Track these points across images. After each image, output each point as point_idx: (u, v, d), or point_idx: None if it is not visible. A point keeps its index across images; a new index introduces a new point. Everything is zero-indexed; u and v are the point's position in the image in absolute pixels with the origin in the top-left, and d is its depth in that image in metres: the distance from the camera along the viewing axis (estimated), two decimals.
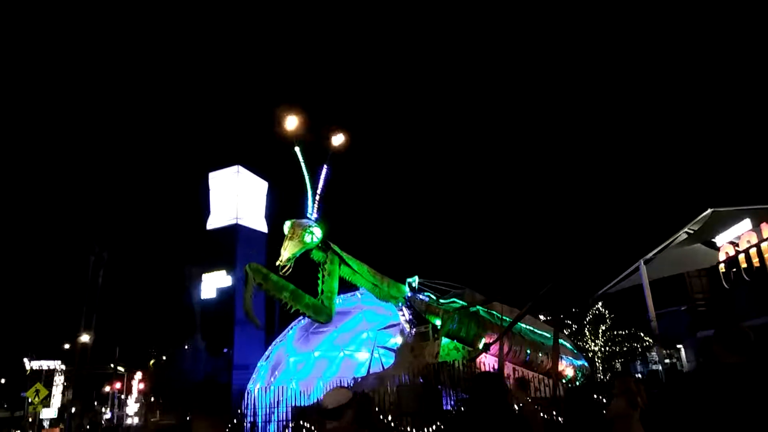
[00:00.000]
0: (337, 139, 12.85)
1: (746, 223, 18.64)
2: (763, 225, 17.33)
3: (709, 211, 17.70)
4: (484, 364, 12.57)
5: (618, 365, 23.28)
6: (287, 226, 11.91)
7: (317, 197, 12.35)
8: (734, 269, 18.76)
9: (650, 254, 19.96)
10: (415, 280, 14.02)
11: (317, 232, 11.95)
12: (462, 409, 10.76)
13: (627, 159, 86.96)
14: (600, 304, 24.33)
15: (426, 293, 14.09)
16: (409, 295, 13.86)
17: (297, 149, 12.35)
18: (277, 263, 11.58)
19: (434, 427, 10.51)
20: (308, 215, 12.23)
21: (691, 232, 19.16)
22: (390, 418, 11.07)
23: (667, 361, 23.94)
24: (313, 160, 12.62)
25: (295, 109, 12.42)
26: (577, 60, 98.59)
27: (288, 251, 11.59)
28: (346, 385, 13.59)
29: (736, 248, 18.91)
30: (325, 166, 12.52)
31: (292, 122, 12.29)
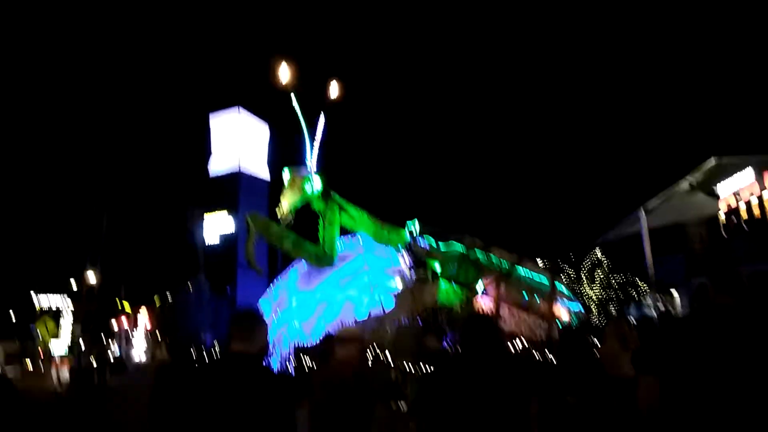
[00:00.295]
0: (334, 89, 12.64)
1: (749, 173, 18.54)
2: (766, 174, 17.24)
3: (712, 159, 17.57)
4: (482, 308, 12.86)
5: (613, 310, 23.79)
6: (286, 175, 11.90)
7: (315, 146, 12.27)
8: (734, 219, 18.81)
9: (651, 202, 19.97)
10: (414, 223, 14.15)
11: (317, 182, 11.95)
12: (457, 349, 11.09)
13: (632, 107, 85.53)
14: (598, 250, 24.59)
15: (426, 238, 14.23)
16: (410, 240, 14.01)
17: (294, 99, 12.17)
18: (279, 216, 11.64)
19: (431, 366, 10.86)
20: (307, 164, 12.20)
21: (693, 180, 19.10)
22: (390, 357, 11.43)
23: (660, 306, 24.42)
24: (312, 108, 12.48)
25: (288, 59, 12.15)
26: (582, 6, 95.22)
27: (288, 202, 11.63)
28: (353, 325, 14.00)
29: (738, 198, 18.89)
30: (323, 115, 12.36)
31: (284, 73, 12.06)
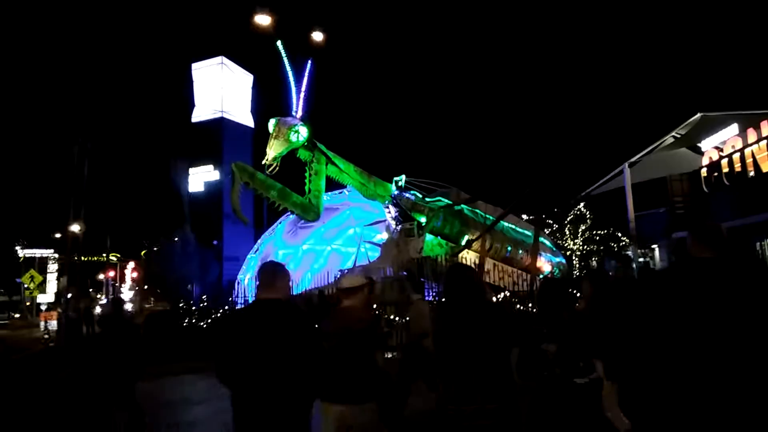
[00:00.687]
0: (318, 36, 12.36)
1: (733, 128, 18.64)
2: (750, 130, 17.36)
3: (698, 115, 17.59)
4: (466, 260, 13.05)
5: (594, 263, 24.29)
6: (272, 124, 11.73)
7: (302, 95, 12.07)
8: (716, 173, 19.02)
9: (636, 157, 20.08)
10: (402, 179, 14.14)
11: (303, 131, 11.81)
12: (441, 299, 11.31)
13: (619, 63, 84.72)
14: (582, 204, 24.87)
15: (412, 192, 14.27)
16: (396, 193, 14.04)
17: (279, 45, 11.88)
18: (264, 162, 11.54)
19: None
20: (293, 113, 12.02)
21: (678, 136, 19.16)
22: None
23: (641, 260, 24.97)
24: (298, 56, 12.22)
25: (274, 6, 11.82)
26: None
27: (273, 150, 11.51)
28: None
29: (720, 153, 19.06)
30: (309, 62, 12.11)
31: (264, 18, 11.75)
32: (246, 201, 19.81)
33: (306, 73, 12.14)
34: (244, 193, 12.21)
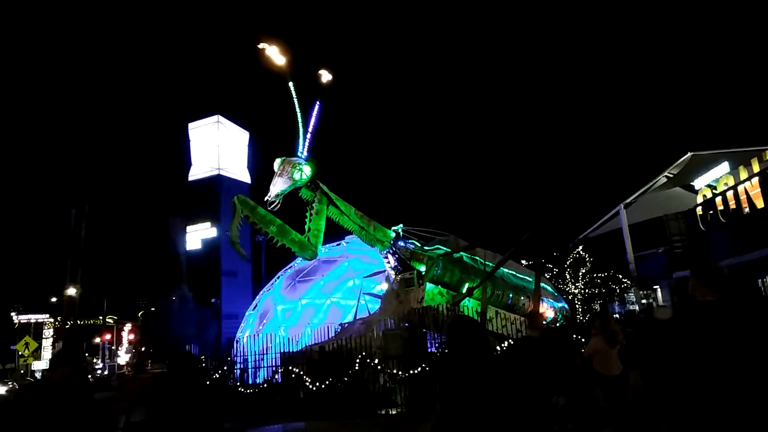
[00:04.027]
0: (326, 76, 12.60)
1: (724, 167, 18.88)
2: (741, 168, 17.56)
3: (688, 154, 17.86)
4: (468, 308, 12.87)
5: (597, 306, 24.02)
6: (277, 162, 11.82)
7: (308, 135, 12.19)
8: (711, 212, 19.11)
9: (630, 198, 20.22)
10: (400, 228, 14.12)
11: (307, 170, 11.87)
12: (444, 351, 11.07)
13: (608, 105, 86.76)
14: (580, 248, 24.84)
15: (410, 241, 14.23)
16: (394, 242, 13.99)
17: (291, 85, 12.09)
18: (266, 199, 11.54)
19: (419, 369, 10.84)
20: (299, 153, 12.11)
21: (671, 175, 19.39)
22: (376, 361, 11.39)
23: (644, 301, 24.74)
24: (304, 98, 12.42)
25: (279, 43, 12.11)
26: (563, 7, 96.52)
27: (276, 187, 11.54)
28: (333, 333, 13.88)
29: (714, 191, 19.22)
30: (317, 103, 12.30)
31: (278, 55, 11.97)
32: (244, 243, 19.69)
33: (314, 114, 12.31)
34: (243, 238, 12.14)
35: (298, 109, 12.11)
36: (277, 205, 11.54)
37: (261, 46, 12.01)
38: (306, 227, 12.23)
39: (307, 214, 12.36)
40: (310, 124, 12.19)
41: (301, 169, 11.74)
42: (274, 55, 12.01)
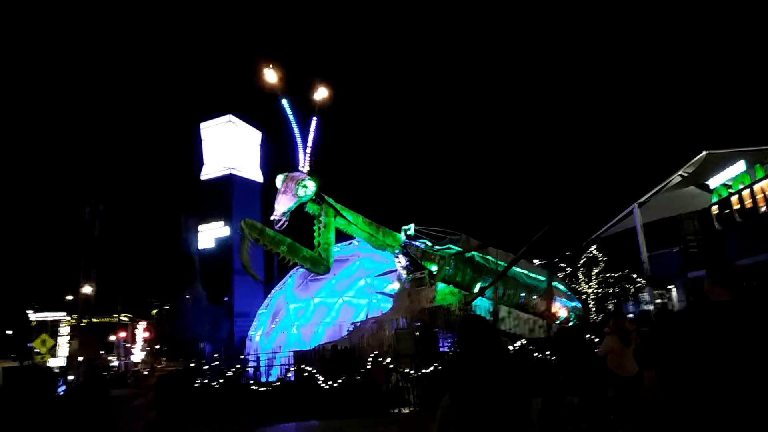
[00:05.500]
0: (323, 92, 12.63)
1: (740, 165, 18.65)
2: (758, 166, 17.33)
3: (703, 153, 17.66)
4: (480, 308, 12.86)
5: (611, 306, 23.82)
6: (279, 180, 11.85)
7: (308, 150, 12.24)
8: (726, 211, 18.87)
9: (645, 197, 20.05)
10: (411, 228, 14.13)
11: (310, 186, 11.90)
12: (456, 350, 11.07)
13: (623, 102, 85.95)
14: (594, 247, 24.64)
15: (422, 240, 14.22)
16: (405, 242, 13.99)
17: (285, 102, 12.16)
18: (272, 218, 11.59)
19: (431, 368, 10.86)
20: (300, 168, 12.15)
21: (686, 174, 19.19)
22: (388, 360, 11.41)
23: (658, 301, 24.49)
24: (303, 113, 12.48)
25: (275, 63, 12.17)
26: (578, 5, 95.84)
27: (282, 205, 11.57)
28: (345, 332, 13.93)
29: (729, 190, 18.98)
30: (315, 118, 12.35)
31: (271, 75, 12.08)
32: (257, 255, 19.80)
33: (312, 129, 12.35)
34: (255, 249, 12.21)
35: (294, 126, 12.17)
36: (284, 223, 11.57)
37: (260, 67, 12.10)
38: (315, 242, 12.29)
39: (315, 228, 12.41)
40: (308, 139, 12.24)
41: (305, 185, 11.78)
42: (269, 74, 12.09)
